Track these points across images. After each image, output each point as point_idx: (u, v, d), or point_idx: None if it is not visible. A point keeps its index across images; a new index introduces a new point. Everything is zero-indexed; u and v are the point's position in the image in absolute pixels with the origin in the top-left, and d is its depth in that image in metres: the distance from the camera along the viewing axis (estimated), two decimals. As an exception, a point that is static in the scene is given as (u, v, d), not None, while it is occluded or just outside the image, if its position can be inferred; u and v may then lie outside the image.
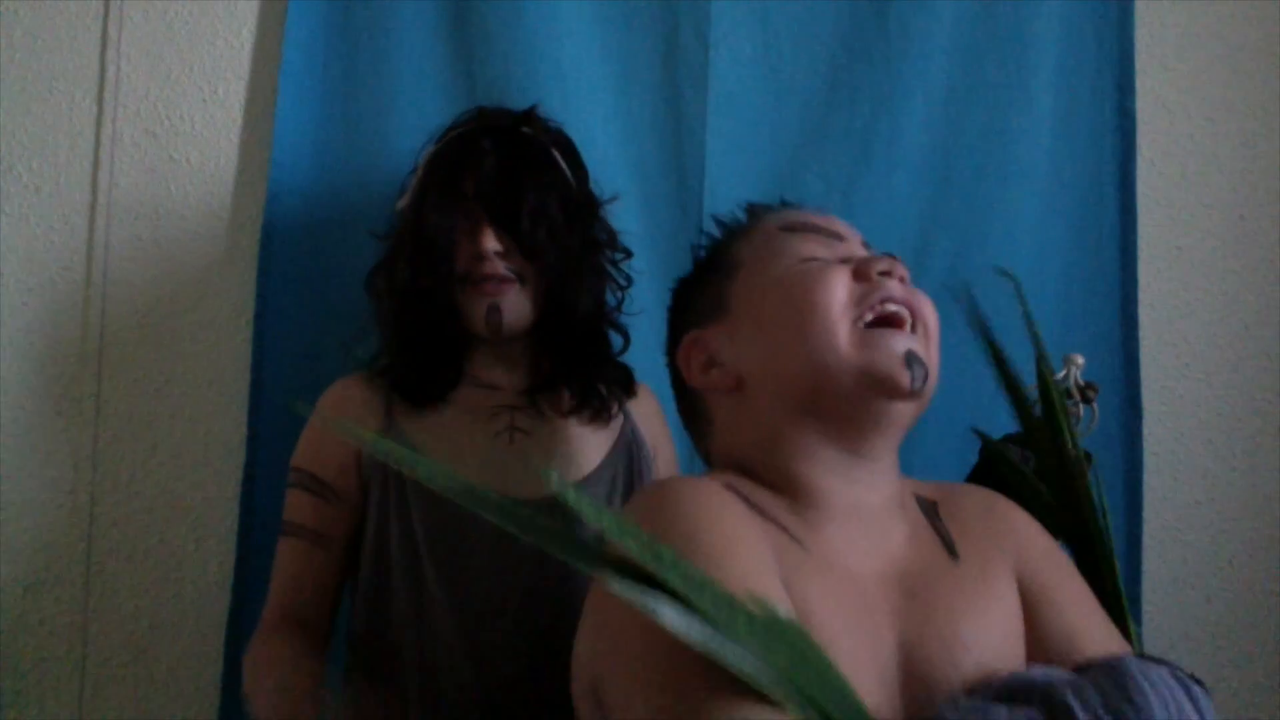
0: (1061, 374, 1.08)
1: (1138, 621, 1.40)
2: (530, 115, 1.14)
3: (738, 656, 0.53)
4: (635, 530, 0.56)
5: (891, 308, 0.77)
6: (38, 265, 1.32)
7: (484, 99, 1.29)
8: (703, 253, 0.92)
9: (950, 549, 0.78)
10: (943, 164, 1.42)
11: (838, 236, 0.84)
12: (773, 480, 0.77)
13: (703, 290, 0.88)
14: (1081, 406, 1.07)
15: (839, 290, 0.77)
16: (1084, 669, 0.69)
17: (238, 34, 1.36)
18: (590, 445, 1.12)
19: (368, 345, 1.15)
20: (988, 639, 0.73)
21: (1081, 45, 1.45)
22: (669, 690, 0.59)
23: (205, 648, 1.30)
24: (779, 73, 1.41)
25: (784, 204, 0.91)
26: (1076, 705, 0.63)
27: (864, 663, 0.67)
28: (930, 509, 0.82)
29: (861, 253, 0.83)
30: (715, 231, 0.92)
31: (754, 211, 0.90)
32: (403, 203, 1.13)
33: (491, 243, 1.05)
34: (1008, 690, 0.67)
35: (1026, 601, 0.77)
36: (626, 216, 1.33)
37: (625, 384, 1.18)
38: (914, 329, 0.78)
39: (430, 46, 1.36)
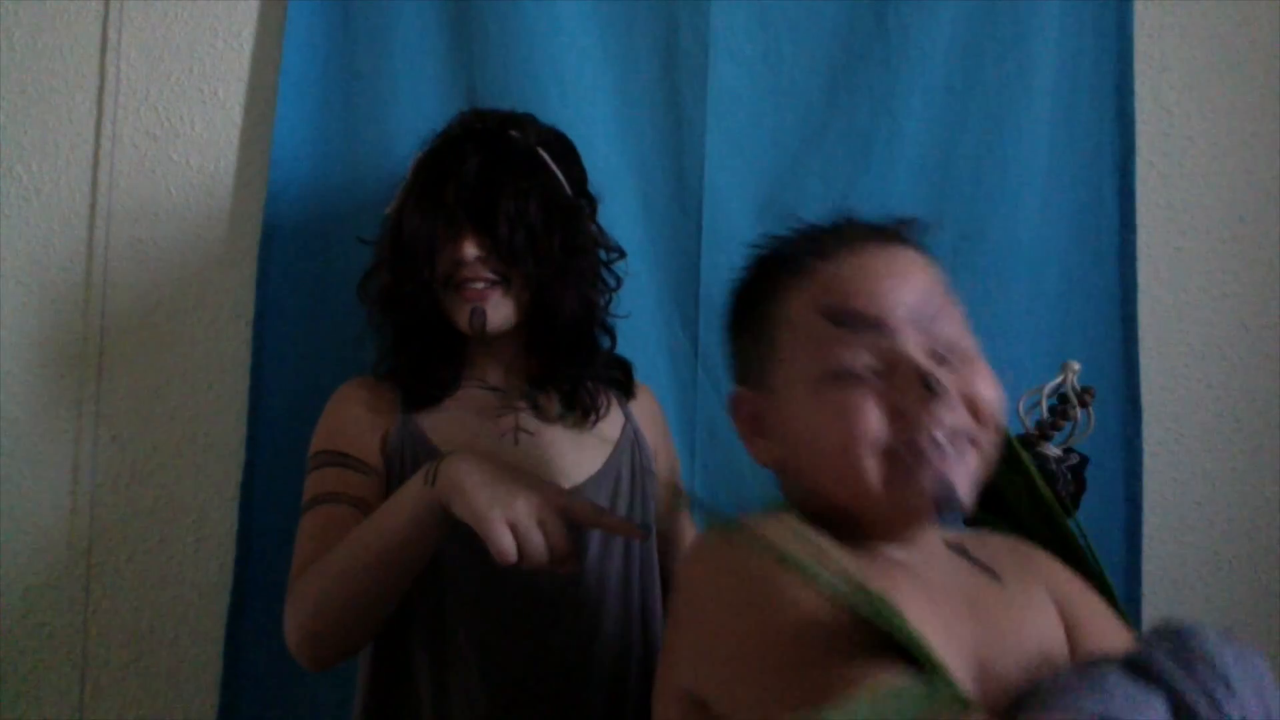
0: (1059, 379, 1.08)
1: (1138, 623, 1.40)
2: (519, 117, 1.13)
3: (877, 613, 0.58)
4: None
5: (922, 445, 0.71)
6: (38, 266, 1.32)
7: (483, 100, 1.30)
8: (762, 266, 0.84)
9: (992, 574, 0.80)
10: (943, 164, 1.42)
11: (880, 326, 0.74)
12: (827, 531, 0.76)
13: (751, 344, 0.82)
14: (1079, 411, 1.07)
15: (871, 429, 0.71)
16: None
17: (238, 35, 1.36)
18: (593, 446, 1.12)
19: (368, 348, 1.15)
20: (1048, 645, 0.75)
21: (1081, 45, 1.44)
22: (797, 668, 0.62)
23: (205, 648, 1.30)
24: (779, 73, 1.41)
25: (843, 224, 0.82)
26: (1156, 659, 0.64)
27: (951, 658, 0.67)
28: (959, 548, 0.83)
29: (909, 344, 0.74)
30: (770, 248, 0.84)
31: (802, 249, 0.80)
32: (390, 209, 1.13)
33: (471, 249, 1.04)
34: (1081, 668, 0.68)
35: (1065, 626, 0.79)
36: (626, 217, 1.34)
37: (624, 383, 1.18)
38: (955, 441, 0.72)
39: (430, 47, 1.36)
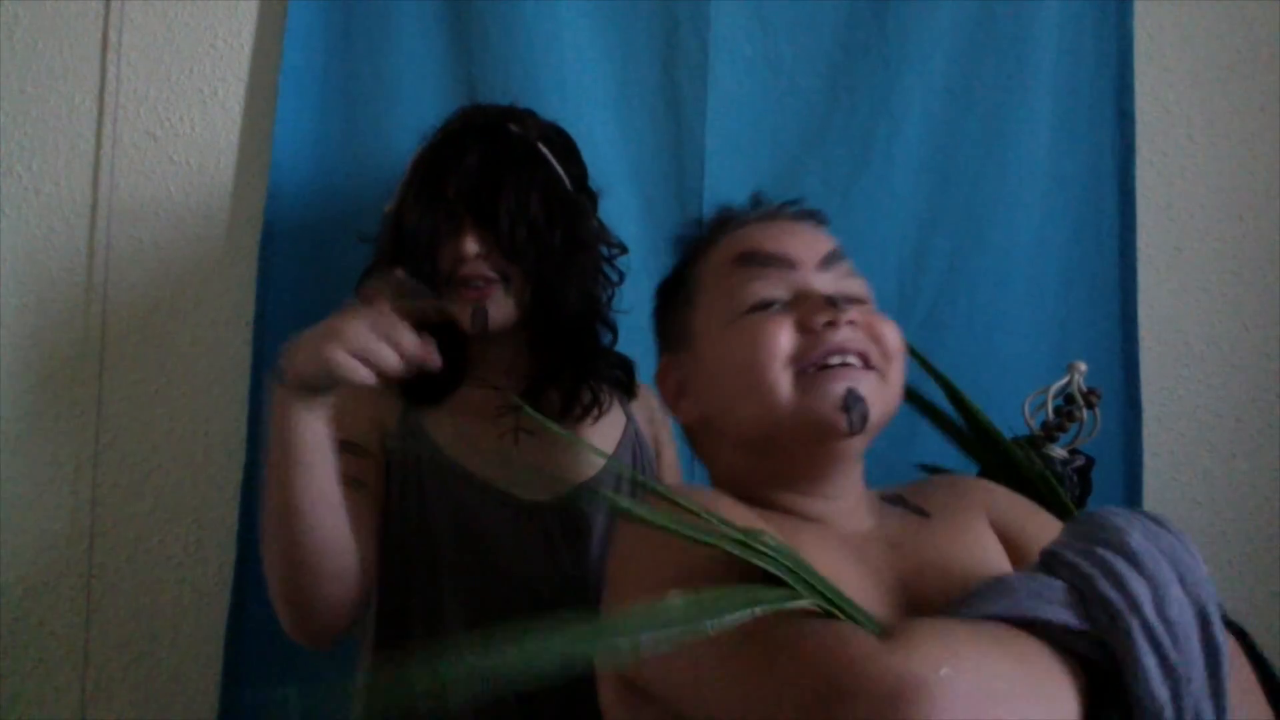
0: (1065, 380, 1.08)
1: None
2: (519, 112, 1.13)
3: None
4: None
5: (834, 360, 0.79)
6: (38, 266, 1.32)
7: (484, 99, 1.29)
8: (682, 250, 0.95)
9: (921, 512, 0.85)
10: (943, 164, 1.42)
11: (790, 264, 0.84)
12: (750, 500, 0.82)
13: (673, 312, 0.92)
14: (1085, 412, 1.07)
15: (782, 345, 0.79)
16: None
17: (238, 35, 1.36)
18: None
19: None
20: (981, 565, 0.78)
21: (1081, 46, 1.45)
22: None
23: (205, 648, 1.30)
24: (779, 73, 1.41)
25: (754, 204, 0.93)
26: (1062, 549, 0.68)
27: (867, 598, 0.70)
28: (894, 499, 0.88)
29: (814, 281, 0.83)
30: (690, 233, 0.95)
31: (718, 223, 0.92)
32: (389, 206, 1.12)
33: (472, 245, 1.04)
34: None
35: (1006, 542, 0.83)
36: (626, 216, 1.34)
37: (625, 383, 1.18)
38: (869, 363, 0.80)
39: (430, 47, 1.36)
